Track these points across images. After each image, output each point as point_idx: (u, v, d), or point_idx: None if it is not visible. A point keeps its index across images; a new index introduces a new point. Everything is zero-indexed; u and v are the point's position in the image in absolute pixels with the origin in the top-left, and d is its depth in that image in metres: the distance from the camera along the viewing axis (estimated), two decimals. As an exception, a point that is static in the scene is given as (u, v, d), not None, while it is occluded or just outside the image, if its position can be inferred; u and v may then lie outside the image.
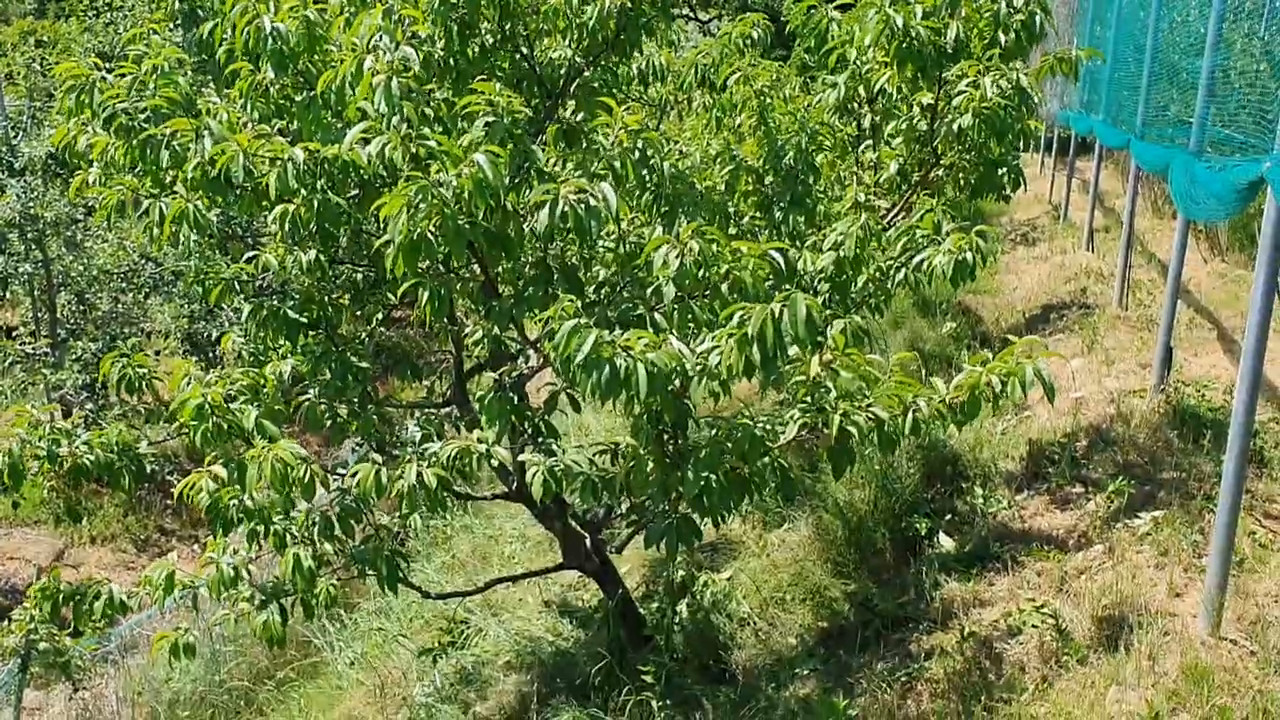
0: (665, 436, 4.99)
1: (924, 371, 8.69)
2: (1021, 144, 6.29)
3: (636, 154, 5.21)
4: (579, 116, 6.24)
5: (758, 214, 6.61)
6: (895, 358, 4.98)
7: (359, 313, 6.55)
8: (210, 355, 15.27)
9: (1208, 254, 10.49)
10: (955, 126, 5.81)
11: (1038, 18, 5.98)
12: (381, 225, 4.74)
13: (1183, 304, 8.75)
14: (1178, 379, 7.15)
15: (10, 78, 19.48)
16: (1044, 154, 19.44)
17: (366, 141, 4.92)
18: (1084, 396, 7.52)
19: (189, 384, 5.90)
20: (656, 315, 4.95)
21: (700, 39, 29.92)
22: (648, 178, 5.57)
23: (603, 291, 5.73)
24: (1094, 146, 12.94)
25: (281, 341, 6.06)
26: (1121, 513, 5.90)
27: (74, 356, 14.72)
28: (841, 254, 5.76)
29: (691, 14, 29.79)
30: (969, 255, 5.34)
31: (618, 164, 5.15)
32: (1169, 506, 5.76)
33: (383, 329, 6.51)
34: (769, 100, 6.52)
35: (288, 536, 5.61)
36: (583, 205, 4.65)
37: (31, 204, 14.47)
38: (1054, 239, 13.37)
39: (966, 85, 5.77)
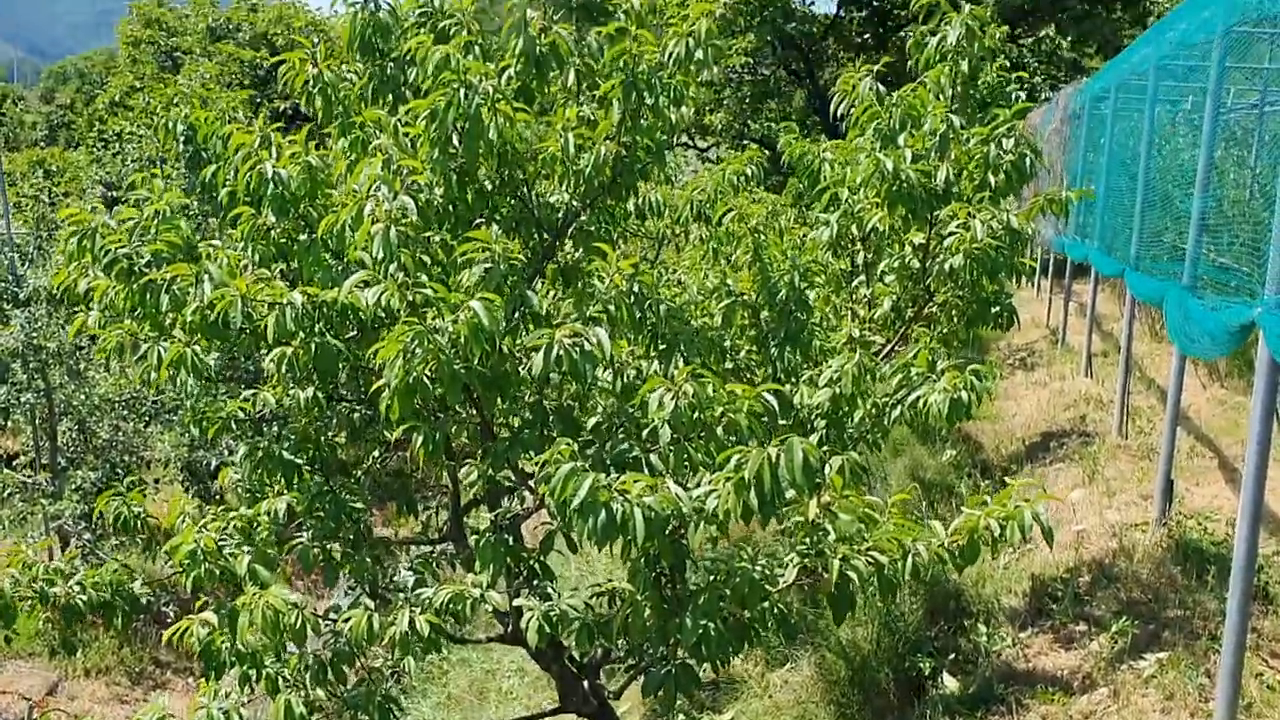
0: (663, 580, 4.94)
1: (924, 503, 8.65)
2: (1014, 280, 6.35)
3: (632, 297, 5.25)
4: (577, 255, 6.34)
5: (754, 349, 6.65)
6: (894, 497, 4.95)
7: (355, 450, 6.55)
8: (208, 485, 15.21)
9: (1206, 380, 10.50)
10: (947, 266, 5.87)
11: (1028, 159, 6.08)
12: (379, 366, 4.77)
13: (1183, 431, 8.73)
14: (1179, 511, 7.10)
15: (18, 206, 19.77)
16: (1040, 277, 19.60)
17: (366, 285, 4.98)
18: (1085, 530, 7.46)
19: (184, 522, 5.91)
20: (652, 457, 4.94)
21: (699, 165, 30.56)
22: (644, 318, 5.61)
23: (600, 430, 5.72)
24: (1091, 270, 13.07)
25: (278, 479, 6.05)
26: (1126, 653, 5.80)
27: (73, 486, 14.66)
28: (838, 390, 5.78)
29: (690, 142, 30.46)
30: (964, 394, 5.35)
31: (612, 307, 5.18)
32: (1174, 647, 5.67)
33: (379, 466, 6.48)
34: (763, 236, 6.61)
35: (280, 681, 5.52)
36: (578, 349, 4.68)
37: (35, 335, 14.56)
38: (1052, 364, 13.41)
39: (957, 226, 5.85)
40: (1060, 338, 14.62)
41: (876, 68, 6.91)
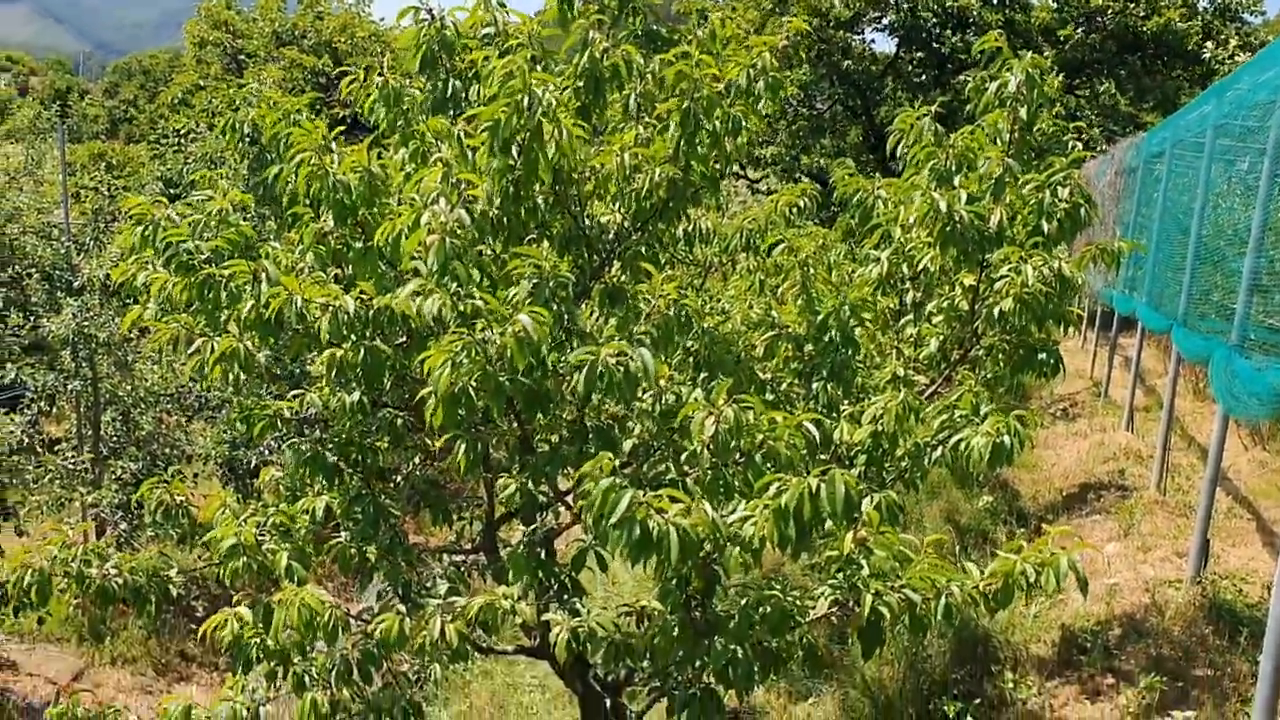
0: (693, 603, 4.96)
1: (959, 547, 8.61)
2: (1062, 330, 6.33)
3: (676, 321, 5.29)
4: (623, 277, 6.39)
5: (795, 381, 6.66)
6: (930, 538, 4.95)
7: (395, 457, 6.62)
8: (247, 483, 15.35)
9: (1249, 441, 10.40)
10: (996, 310, 5.86)
11: (1081, 208, 6.07)
12: (425, 374, 4.83)
13: (1221, 491, 8.65)
14: (1214, 571, 7.03)
15: (77, 197, 20.11)
16: (1086, 328, 19.46)
17: (418, 294, 5.05)
18: (1119, 583, 7.40)
19: (224, 514, 6.00)
20: (689, 480, 4.96)
21: (749, 196, 30.58)
22: (687, 343, 5.64)
23: (637, 452, 5.75)
24: (1137, 323, 12.97)
25: (319, 480, 6.12)
26: (1153, 709, 5.75)
27: (114, 475, 14.84)
28: (880, 428, 5.78)
29: (741, 173, 30.51)
30: (1007, 440, 5.33)
31: (656, 331, 5.23)
32: (1202, 706, 5.61)
33: (418, 472, 6.54)
34: (812, 270, 6.62)
35: (306, 679, 5.57)
36: (621, 369, 4.72)
37: (86, 324, 14.78)
38: (1094, 416, 13.31)
39: (1009, 270, 5.84)
40: (1103, 390, 14.51)
41: (934, 108, 6.93)
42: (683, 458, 4.98)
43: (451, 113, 6.12)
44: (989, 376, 6.71)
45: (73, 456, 15.43)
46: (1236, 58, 24.29)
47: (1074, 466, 11.02)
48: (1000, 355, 6.43)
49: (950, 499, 10.33)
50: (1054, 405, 14.75)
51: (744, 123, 5.96)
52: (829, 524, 4.42)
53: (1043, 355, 6.43)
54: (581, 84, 5.72)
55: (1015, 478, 10.97)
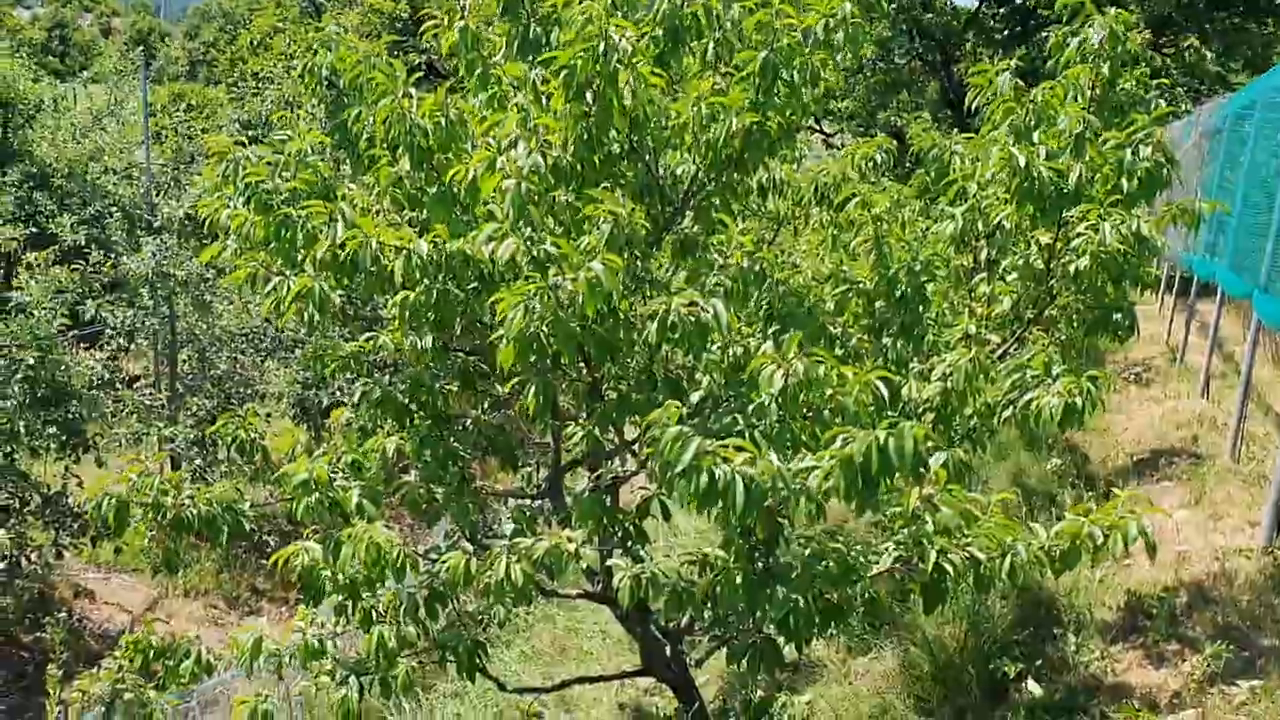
0: (756, 553, 4.98)
1: (1025, 509, 8.55)
2: (1139, 291, 6.22)
3: (751, 274, 5.28)
4: (696, 229, 6.38)
5: (865, 337, 6.62)
6: (996, 497, 4.92)
7: (463, 401, 6.70)
8: (319, 422, 15.63)
9: (1329, 412, 10.17)
10: (1072, 268, 5.77)
11: (1164, 168, 5.93)
12: (496, 319, 4.88)
13: (1299, 462, 8.49)
14: (1289, 541, 6.92)
15: (158, 138, 20.41)
16: (1164, 292, 19.07)
17: (491, 239, 5.08)
18: (1188, 551, 7.31)
19: (297, 451, 6.13)
20: (756, 433, 4.97)
21: (824, 150, 30.25)
22: (761, 295, 5.63)
23: (706, 403, 5.77)
24: (1216, 289, 12.69)
25: (390, 422, 6.22)
26: (1219, 677, 5.70)
27: (189, 412, 15.19)
28: (949, 385, 5.73)
29: (815, 126, 30.18)
30: (1078, 400, 5.26)
31: (730, 283, 5.23)
32: (1268, 676, 5.55)
33: (486, 417, 6.62)
34: (885, 226, 6.55)
35: (374, 614, 5.70)
36: (693, 319, 4.74)
37: (165, 262, 15.08)
38: (1168, 382, 13.07)
39: (1086, 228, 5.75)
40: (1178, 356, 14.23)
41: (1014, 61, 6.80)
42: (750, 410, 4.99)
43: (531, 58, 6.12)
44: (1063, 338, 6.63)
45: (150, 393, 15.82)
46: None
47: (1146, 432, 10.84)
48: (1075, 316, 6.34)
49: (1018, 460, 10.23)
50: (1128, 369, 14.50)
51: (822, 72, 5.91)
52: (896, 478, 4.42)
53: (1118, 316, 6.34)
54: (661, 32, 5.69)
55: (1085, 441, 10.83)
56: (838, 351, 6.47)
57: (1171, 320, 16.36)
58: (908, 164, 9.77)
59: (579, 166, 5.71)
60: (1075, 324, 6.42)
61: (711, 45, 5.91)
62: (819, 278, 6.82)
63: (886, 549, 4.82)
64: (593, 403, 5.62)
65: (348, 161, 6.74)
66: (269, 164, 5.87)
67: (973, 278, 6.81)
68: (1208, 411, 10.91)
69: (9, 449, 12.82)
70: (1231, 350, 13.43)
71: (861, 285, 6.50)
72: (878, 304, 6.55)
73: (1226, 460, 9.12)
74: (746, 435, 4.97)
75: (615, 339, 5.13)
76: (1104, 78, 6.35)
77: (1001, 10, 27.49)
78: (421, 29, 6.49)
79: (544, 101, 5.61)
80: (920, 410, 5.94)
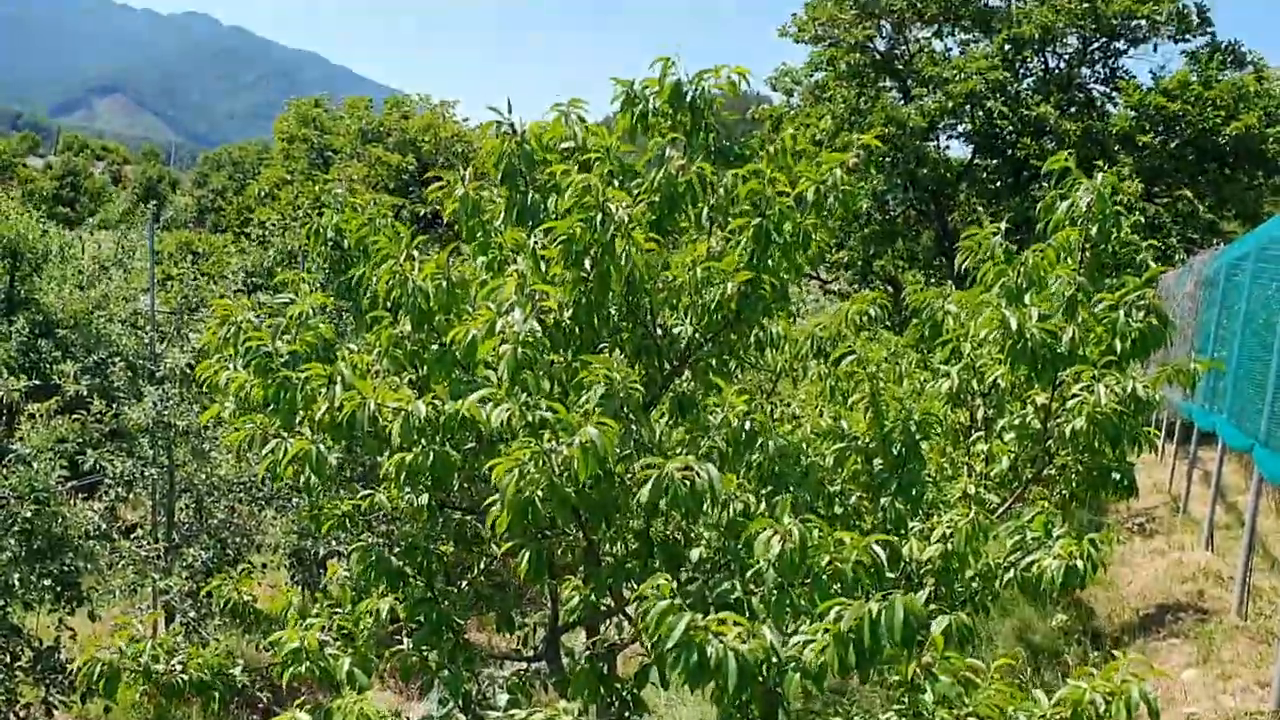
0: (754, 727, 4.87)
1: (1030, 668, 8.39)
2: (1136, 452, 6.22)
3: (744, 435, 5.30)
4: (694, 386, 6.41)
5: (865, 495, 6.60)
6: (998, 662, 4.83)
7: (459, 555, 6.64)
8: (316, 573, 15.44)
9: (1336, 565, 10.06)
10: (1069, 429, 5.78)
11: (1157, 329, 5.99)
12: (492, 484, 4.87)
13: (1309, 619, 8.37)
14: (1301, 705, 6.77)
15: (164, 285, 20.65)
16: (1165, 440, 19.02)
17: (488, 401, 5.11)
18: (1197, 714, 7.15)
19: (289, 611, 6.06)
20: (755, 599, 4.92)
21: (822, 298, 30.55)
22: (754, 458, 5.63)
23: (703, 565, 5.72)
24: (1217, 437, 12.66)
25: (383, 583, 6.16)
26: None
27: (185, 563, 15.02)
28: (949, 547, 5.69)
29: (814, 274, 30.60)
30: (1079, 563, 5.23)
31: (724, 445, 5.24)
32: None
33: (483, 579, 6.55)
34: (881, 382, 6.59)
35: (365, 785, 5.54)
36: (687, 483, 4.72)
37: (166, 412, 15.10)
38: (1172, 533, 12.97)
39: (1081, 389, 5.78)
40: (1181, 506, 14.15)
41: (1003, 224, 6.93)
42: (748, 575, 4.94)
43: (530, 223, 6.24)
44: (1062, 496, 6.60)
45: (147, 544, 15.66)
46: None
47: (1151, 585, 10.71)
48: (1073, 475, 6.33)
49: (1023, 617, 10.08)
50: (1130, 520, 14.39)
51: (814, 235, 6.02)
52: (890, 650, 4.35)
53: (1116, 476, 6.32)
54: (657, 198, 5.81)
55: (1090, 595, 10.68)
56: (837, 510, 6.45)
57: (1173, 468, 16.32)
58: (905, 311, 9.87)
59: (578, 328, 5.79)
60: (1075, 483, 6.40)
61: (706, 209, 6.03)
62: (818, 431, 6.83)
63: (888, 718, 4.71)
64: (589, 565, 5.57)
65: (350, 317, 6.82)
66: (271, 326, 5.94)
67: (970, 435, 6.82)
68: (1213, 564, 10.80)
69: (2, 603, 12.63)
70: (1235, 500, 13.35)
71: (858, 442, 6.51)
72: (875, 461, 6.55)
73: (1233, 616, 8.99)
74: (744, 604, 4.92)
75: (610, 503, 5.11)
76: (1093, 238, 6.46)
77: (995, 162, 28.09)
78: (427, 189, 6.63)
79: (543, 266, 5.71)
80: (922, 572, 5.89)
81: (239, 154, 77.32)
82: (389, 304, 5.90)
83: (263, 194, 32.80)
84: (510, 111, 6.19)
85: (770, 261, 5.93)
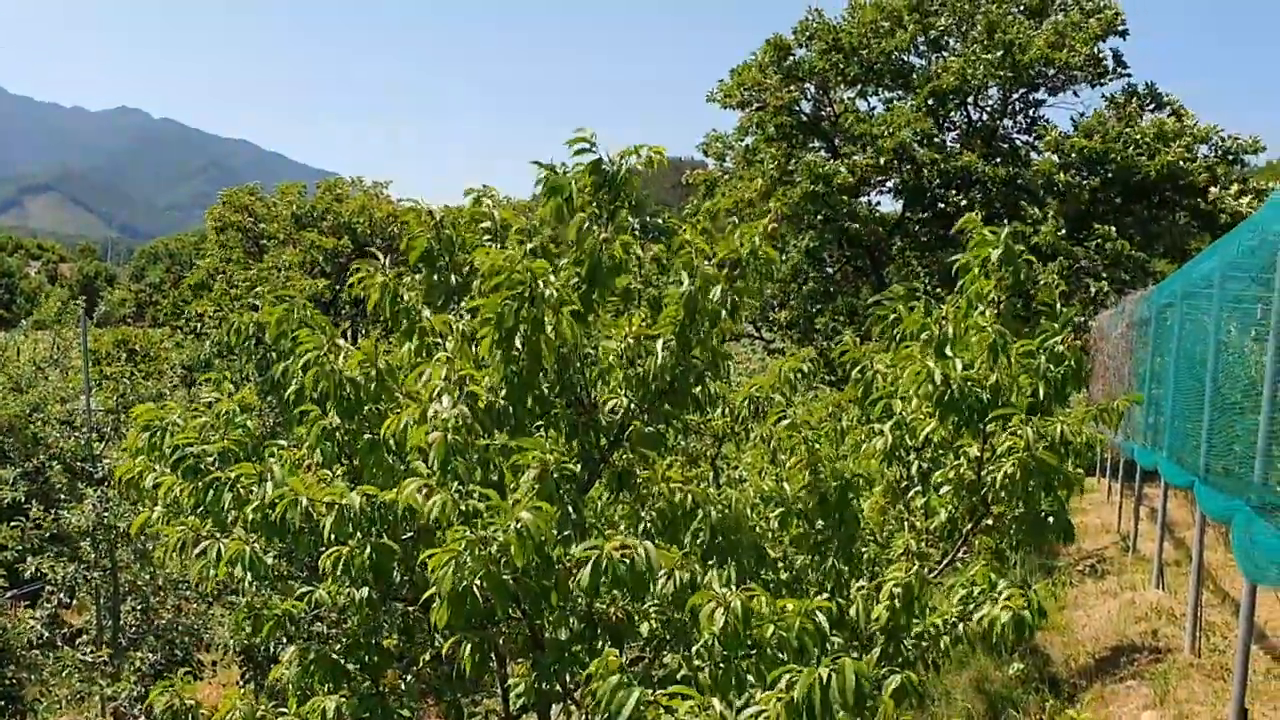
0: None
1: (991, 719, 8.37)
2: (1069, 491, 6.28)
3: (680, 509, 5.28)
4: (632, 458, 6.38)
5: (809, 558, 6.59)
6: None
7: (405, 646, 6.53)
8: (268, 669, 15.13)
9: (1284, 594, 10.16)
10: (1001, 476, 5.83)
11: (1074, 371, 6.09)
12: (429, 576, 4.80)
13: (1260, 651, 8.42)
14: (1256, 740, 6.79)
15: (100, 384, 20.36)
16: (1110, 479, 19.23)
17: (422, 490, 5.05)
18: (1157, 757, 7.15)
19: (233, 717, 5.92)
20: (702, 674, 4.87)
21: (766, 356, 30.70)
22: (693, 528, 5.61)
23: (650, 643, 5.66)
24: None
25: (327, 681, 6.03)
26: None
27: (133, 667, 14.67)
28: (896, 605, 5.68)
29: (757, 333, 30.81)
30: (1027, 614, 5.26)
31: (661, 521, 5.22)
32: None
33: (429, 670, 6.44)
34: (817, 444, 6.61)
35: None
36: (626, 561, 4.69)
37: (107, 514, 14.82)
38: (1123, 572, 13.05)
39: (1009, 436, 5.84)
40: (1131, 544, 14.26)
41: (921, 297, 7.03)
42: (694, 649, 4.90)
43: (455, 304, 6.22)
44: (1004, 544, 6.63)
45: (92, 650, 15.29)
46: (1240, 201, 24.57)
47: (1105, 627, 10.75)
48: (1010, 523, 6.37)
49: (980, 667, 10.06)
50: (1082, 561, 14.48)
51: (741, 301, 6.06)
52: (842, 714, 4.31)
53: (1052, 519, 6.37)
54: (582, 273, 5.82)
55: (1046, 641, 10.70)
56: (783, 575, 6.43)
57: (1120, 507, 16.48)
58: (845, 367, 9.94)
59: (511, 409, 5.75)
60: (1012, 531, 6.43)
61: (632, 281, 6.06)
62: (761, 495, 6.84)
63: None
64: (534, 651, 5.49)
65: (279, 412, 6.75)
66: (197, 426, 5.85)
67: (907, 492, 6.85)
68: (1164, 602, 10.87)
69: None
70: (1183, 535, 13.49)
71: (797, 506, 6.52)
72: (818, 523, 6.55)
73: (1187, 654, 9.03)
74: (692, 679, 4.87)
75: (549, 588, 5.05)
76: (1007, 289, 6.53)
77: (925, 215, 28.54)
78: (349, 281, 6.59)
79: (471, 347, 5.68)
80: (871, 632, 5.87)
81: (175, 246, 76.92)
82: (316, 397, 5.83)
83: (197, 285, 32.54)
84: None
85: (700, 332, 5.95)
